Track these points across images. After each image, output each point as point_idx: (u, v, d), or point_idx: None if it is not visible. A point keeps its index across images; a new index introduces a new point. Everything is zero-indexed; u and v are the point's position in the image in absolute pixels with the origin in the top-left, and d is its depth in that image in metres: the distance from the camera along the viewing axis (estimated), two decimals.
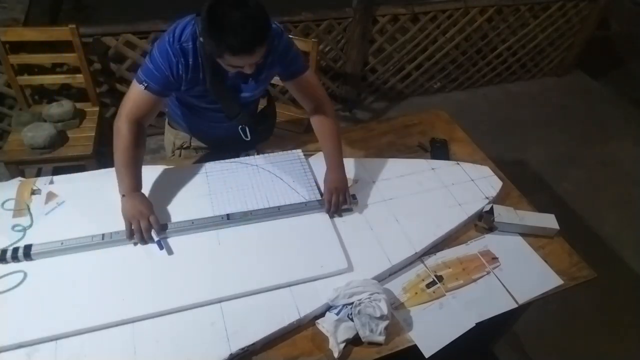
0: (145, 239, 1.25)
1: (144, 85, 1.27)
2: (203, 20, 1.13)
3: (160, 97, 1.32)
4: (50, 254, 1.20)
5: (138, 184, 1.31)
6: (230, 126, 1.52)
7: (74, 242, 1.21)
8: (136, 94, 1.30)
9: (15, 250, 1.18)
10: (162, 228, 1.27)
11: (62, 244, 1.20)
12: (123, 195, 1.27)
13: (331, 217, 1.38)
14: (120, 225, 1.25)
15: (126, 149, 1.29)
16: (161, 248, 1.23)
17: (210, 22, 1.11)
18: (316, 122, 1.48)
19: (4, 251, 1.18)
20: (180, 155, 1.68)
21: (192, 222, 1.30)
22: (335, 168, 1.42)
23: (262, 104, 1.75)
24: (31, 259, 1.19)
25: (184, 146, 1.67)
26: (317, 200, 1.40)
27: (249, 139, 1.55)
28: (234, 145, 1.58)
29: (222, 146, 1.60)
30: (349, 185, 1.47)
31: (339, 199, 1.38)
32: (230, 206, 1.37)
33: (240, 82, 1.38)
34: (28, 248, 1.18)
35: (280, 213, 1.36)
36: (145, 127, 1.35)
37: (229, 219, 1.32)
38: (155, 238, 1.23)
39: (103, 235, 1.23)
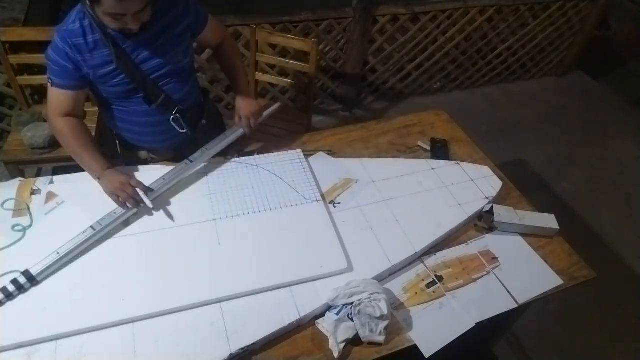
0: (137, 203, 1.29)
1: (50, 82, 1.31)
2: None
3: (73, 90, 1.32)
4: (53, 267, 1.16)
5: (105, 163, 1.33)
6: (163, 121, 1.46)
7: (68, 245, 1.18)
8: (50, 93, 1.33)
9: (15, 280, 1.10)
10: (148, 189, 1.31)
11: (57, 253, 1.17)
12: (99, 179, 1.31)
13: (248, 134, 1.55)
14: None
15: (74, 138, 1.33)
16: (152, 207, 1.29)
17: None
18: (224, 56, 1.59)
19: (4, 288, 1.09)
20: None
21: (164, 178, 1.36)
22: (247, 95, 1.56)
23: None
24: (38, 282, 1.14)
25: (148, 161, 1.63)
26: (313, 197, 1.41)
27: (184, 131, 1.49)
28: (182, 147, 1.54)
29: (168, 147, 1.58)
30: (348, 186, 1.49)
31: (256, 121, 1.54)
32: (230, 206, 1.37)
33: (142, 49, 1.31)
34: (28, 274, 1.12)
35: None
36: (79, 117, 1.38)
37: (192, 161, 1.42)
38: (146, 200, 1.28)
39: (92, 226, 1.22)
